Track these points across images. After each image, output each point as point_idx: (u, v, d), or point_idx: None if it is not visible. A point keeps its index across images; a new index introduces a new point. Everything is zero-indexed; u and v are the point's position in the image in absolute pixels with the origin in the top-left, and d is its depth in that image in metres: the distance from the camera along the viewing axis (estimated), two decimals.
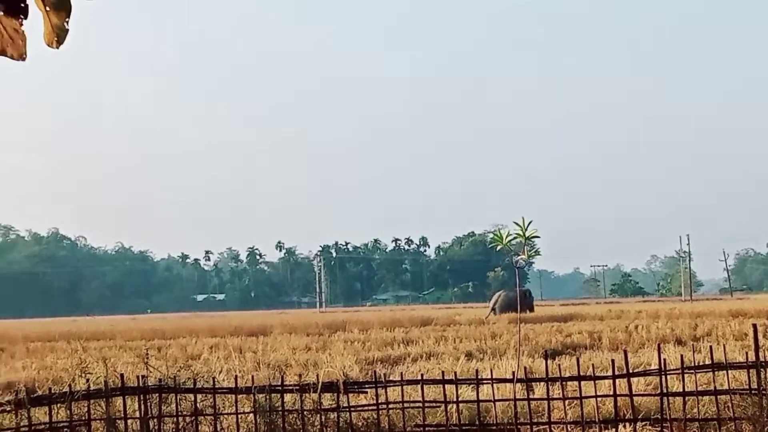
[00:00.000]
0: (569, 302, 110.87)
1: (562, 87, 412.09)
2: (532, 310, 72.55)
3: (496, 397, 12.20)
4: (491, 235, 16.99)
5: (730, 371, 12.00)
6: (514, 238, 13.91)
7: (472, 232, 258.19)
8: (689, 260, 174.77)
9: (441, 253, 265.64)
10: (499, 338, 35.68)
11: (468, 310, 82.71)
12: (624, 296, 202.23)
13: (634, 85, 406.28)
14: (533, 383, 13.04)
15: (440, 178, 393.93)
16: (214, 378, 12.95)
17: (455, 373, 12.82)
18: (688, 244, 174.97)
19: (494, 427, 12.00)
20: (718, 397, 11.85)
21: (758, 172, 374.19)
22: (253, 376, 13.05)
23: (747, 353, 12.06)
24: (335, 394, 12.18)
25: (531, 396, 12.33)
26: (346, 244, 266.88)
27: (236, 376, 12.81)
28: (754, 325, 12.55)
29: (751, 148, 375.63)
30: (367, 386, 12.47)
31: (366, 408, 12.21)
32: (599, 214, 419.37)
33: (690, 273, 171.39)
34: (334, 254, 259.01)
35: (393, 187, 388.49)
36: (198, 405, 12.24)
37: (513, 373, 12.48)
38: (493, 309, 76.33)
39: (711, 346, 12.81)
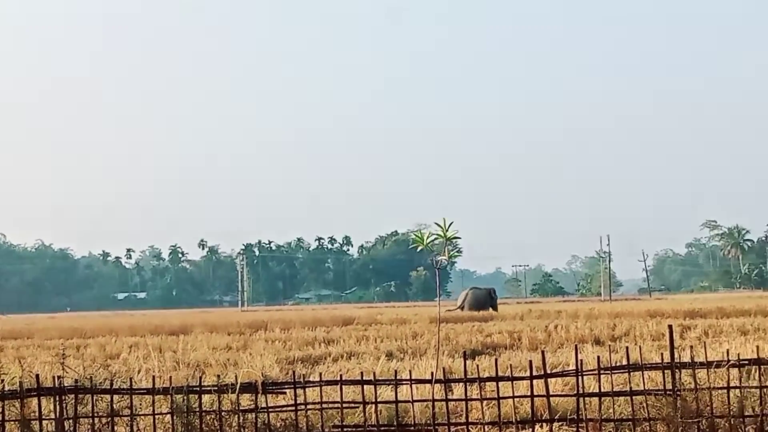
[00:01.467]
0: None
1: (481, 87, 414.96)
2: (495, 308, 73.57)
3: (414, 398, 12.21)
4: (413, 236, 16.99)
5: (645, 372, 12.13)
6: (435, 238, 13.95)
7: (395, 232, 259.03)
8: (609, 261, 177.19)
9: (364, 252, 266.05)
10: (420, 338, 35.76)
11: (390, 310, 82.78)
12: (545, 296, 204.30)
13: (558, 83, 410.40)
14: (452, 384, 13.07)
15: (364, 178, 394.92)
16: (131, 378, 12.79)
17: (374, 373, 12.79)
18: (608, 244, 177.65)
19: (412, 428, 12.01)
20: (634, 397, 11.98)
21: (676, 175, 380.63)
22: (171, 377, 12.92)
23: (663, 354, 12.21)
24: (254, 395, 12.11)
25: (449, 396, 12.36)
26: (269, 242, 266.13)
27: (154, 376, 12.67)
28: (670, 326, 12.71)
29: (669, 150, 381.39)
30: (286, 386, 12.39)
31: (284, 409, 12.14)
32: (521, 214, 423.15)
33: (609, 273, 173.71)
34: (257, 253, 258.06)
35: (317, 186, 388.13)
36: (114, 406, 12.08)
37: (432, 373, 12.49)
38: (461, 306, 77.14)
39: (627, 347, 12.95)
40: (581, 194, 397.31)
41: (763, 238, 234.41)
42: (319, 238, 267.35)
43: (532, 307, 73.52)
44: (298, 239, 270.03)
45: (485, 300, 78.02)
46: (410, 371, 12.68)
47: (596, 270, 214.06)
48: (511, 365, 12.73)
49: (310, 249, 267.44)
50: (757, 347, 12.40)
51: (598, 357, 12.31)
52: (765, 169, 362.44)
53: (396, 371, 12.30)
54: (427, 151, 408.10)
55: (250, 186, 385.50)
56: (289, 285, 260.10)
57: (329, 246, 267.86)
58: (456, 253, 14.09)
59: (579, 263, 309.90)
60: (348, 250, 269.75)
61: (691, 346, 12.67)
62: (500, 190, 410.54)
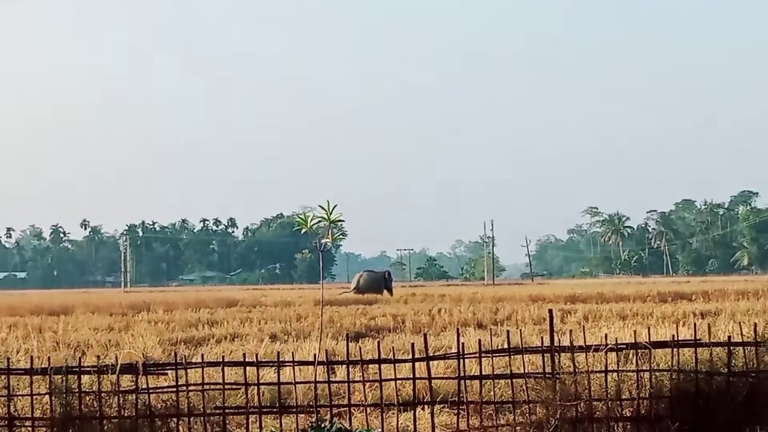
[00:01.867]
0: None
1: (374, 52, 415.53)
2: (390, 291, 73.85)
3: (297, 380, 12.20)
4: (297, 218, 16.87)
5: (526, 355, 12.31)
6: (319, 221, 13.92)
7: (281, 214, 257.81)
8: (492, 246, 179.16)
9: (249, 234, 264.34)
10: (305, 320, 35.75)
11: (274, 292, 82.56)
12: (429, 280, 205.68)
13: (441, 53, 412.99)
14: (335, 366, 13.08)
15: (250, 161, 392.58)
16: (8, 358, 12.52)
17: (257, 355, 12.74)
18: (492, 229, 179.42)
19: (294, 409, 12.01)
20: (514, 380, 12.15)
21: (558, 162, 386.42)
22: (50, 357, 12.70)
23: (543, 338, 12.40)
24: (134, 376, 11.95)
25: (332, 379, 12.37)
26: (153, 223, 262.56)
27: (32, 356, 12.43)
28: (550, 311, 12.92)
29: (552, 137, 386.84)
30: (167, 367, 12.26)
31: (165, 390, 12.00)
32: (406, 198, 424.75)
33: (493, 258, 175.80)
34: (141, 233, 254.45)
35: (200, 168, 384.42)
36: None
37: (315, 355, 12.49)
38: (356, 288, 77.13)
39: (508, 331, 13.12)
40: (465, 180, 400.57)
41: (643, 225, 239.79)
42: (204, 220, 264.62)
43: (416, 291, 74.02)
44: (183, 220, 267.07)
45: (379, 282, 78.27)
46: (293, 353, 12.66)
47: (480, 255, 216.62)
48: (393, 348, 12.81)
49: (195, 230, 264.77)
50: (635, 332, 12.65)
51: (480, 340, 12.43)
52: (645, 157, 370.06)
53: (278, 353, 12.23)
54: (313, 134, 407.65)
55: (132, 165, 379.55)
56: (173, 266, 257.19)
57: (214, 228, 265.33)
58: (341, 236, 14.18)
59: (463, 248, 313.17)
60: (233, 232, 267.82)
61: (571, 331, 12.94)
62: (385, 174, 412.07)
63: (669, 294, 53.01)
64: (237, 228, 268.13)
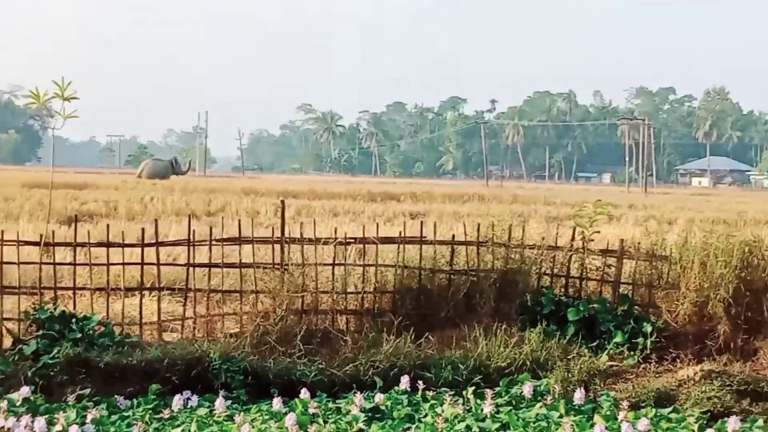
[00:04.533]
0: (84, 170, 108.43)
1: None
2: (182, 174, 75.60)
3: (21, 260, 11.77)
4: (30, 92, 15.86)
5: (256, 246, 12.41)
6: (53, 97, 13.36)
7: None
8: (206, 137, 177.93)
9: None
10: (13, 202, 34.52)
11: None
12: (138, 167, 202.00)
13: None
14: (56, 248, 12.62)
15: None
16: None
17: None
18: (206, 120, 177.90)
19: (16, 290, 11.62)
20: (243, 270, 12.21)
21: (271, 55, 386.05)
22: None
23: (273, 228, 12.48)
24: None
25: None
26: None
27: None
28: (283, 202, 13.06)
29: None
30: None
31: None
32: (118, 81, 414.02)
33: (206, 150, 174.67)
34: None
35: None
36: None
37: (41, 236, 12.07)
38: (139, 176, 76.77)
39: (240, 221, 13.12)
40: (181, 67, 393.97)
41: (355, 125, 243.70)
42: None
43: (127, 179, 72.66)
44: None
45: (165, 171, 78.81)
46: (2, 232, 11.93)
47: (192, 145, 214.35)
48: (123, 232, 12.51)
49: None
50: (363, 227, 12.91)
51: (211, 228, 12.40)
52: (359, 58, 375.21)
53: (2, 231, 11.69)
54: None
55: None
56: None
57: None
58: (73, 115, 13.54)
59: (175, 138, 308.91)
60: None
61: (302, 223, 13.04)
62: (100, 54, 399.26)
63: (378, 194, 54.41)
64: None
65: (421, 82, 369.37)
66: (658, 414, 9.10)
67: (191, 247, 12.27)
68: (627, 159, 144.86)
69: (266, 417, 8.87)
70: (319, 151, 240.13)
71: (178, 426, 8.67)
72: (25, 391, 9.16)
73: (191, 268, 12.26)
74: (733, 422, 8.63)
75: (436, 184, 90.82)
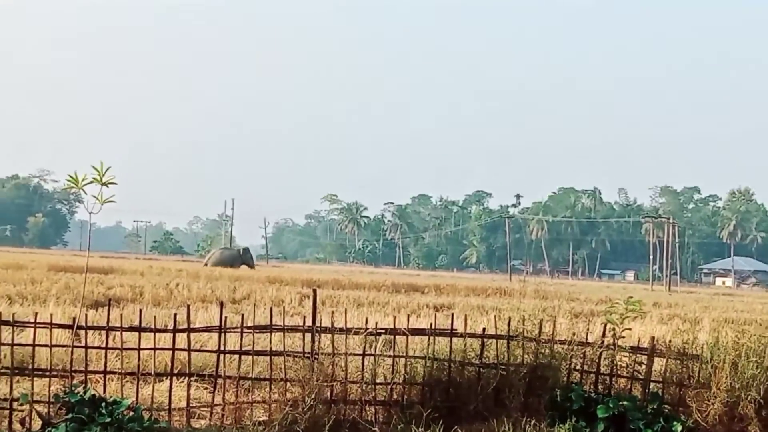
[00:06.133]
0: (109, 255, 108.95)
1: None
2: (251, 266, 76.19)
3: (48, 344, 11.82)
4: (68, 177, 16.09)
5: (287, 334, 12.42)
6: (90, 182, 13.55)
7: (16, 175, 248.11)
8: (231, 225, 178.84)
9: None
10: (40, 285, 34.67)
11: (4, 254, 79.34)
12: (164, 254, 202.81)
13: None
14: (88, 332, 12.69)
15: None
16: None
17: (13, 315, 12.23)
18: (233, 208, 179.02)
19: (48, 373, 11.65)
20: (273, 358, 12.21)
21: (299, 148, 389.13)
22: None
23: (305, 317, 12.50)
24: None
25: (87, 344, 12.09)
26: None
27: None
28: (314, 291, 13.06)
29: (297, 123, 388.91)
30: None
31: None
32: (147, 169, 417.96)
33: (231, 237, 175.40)
34: None
35: None
36: None
37: (74, 319, 12.14)
38: (206, 264, 77.86)
39: (271, 308, 13.17)
40: (209, 160, 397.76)
41: (380, 217, 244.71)
42: None
43: (152, 264, 72.89)
44: None
45: (233, 259, 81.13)
46: (36, 314, 12.07)
47: (217, 233, 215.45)
48: (155, 317, 12.59)
49: None
50: (395, 318, 12.93)
51: (243, 315, 12.44)
52: (384, 151, 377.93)
53: (36, 314, 11.79)
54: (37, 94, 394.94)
55: None
56: None
57: None
58: (112, 200, 13.71)
59: (200, 224, 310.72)
60: None
61: (333, 312, 13.09)
62: (126, 141, 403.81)
63: (402, 285, 54.34)
64: None
65: (446, 174, 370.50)
66: None
67: (222, 333, 12.29)
68: (651, 257, 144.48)
69: None
70: (344, 241, 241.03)
71: None
72: None
73: (222, 355, 12.27)
74: None
75: (459, 277, 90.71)
